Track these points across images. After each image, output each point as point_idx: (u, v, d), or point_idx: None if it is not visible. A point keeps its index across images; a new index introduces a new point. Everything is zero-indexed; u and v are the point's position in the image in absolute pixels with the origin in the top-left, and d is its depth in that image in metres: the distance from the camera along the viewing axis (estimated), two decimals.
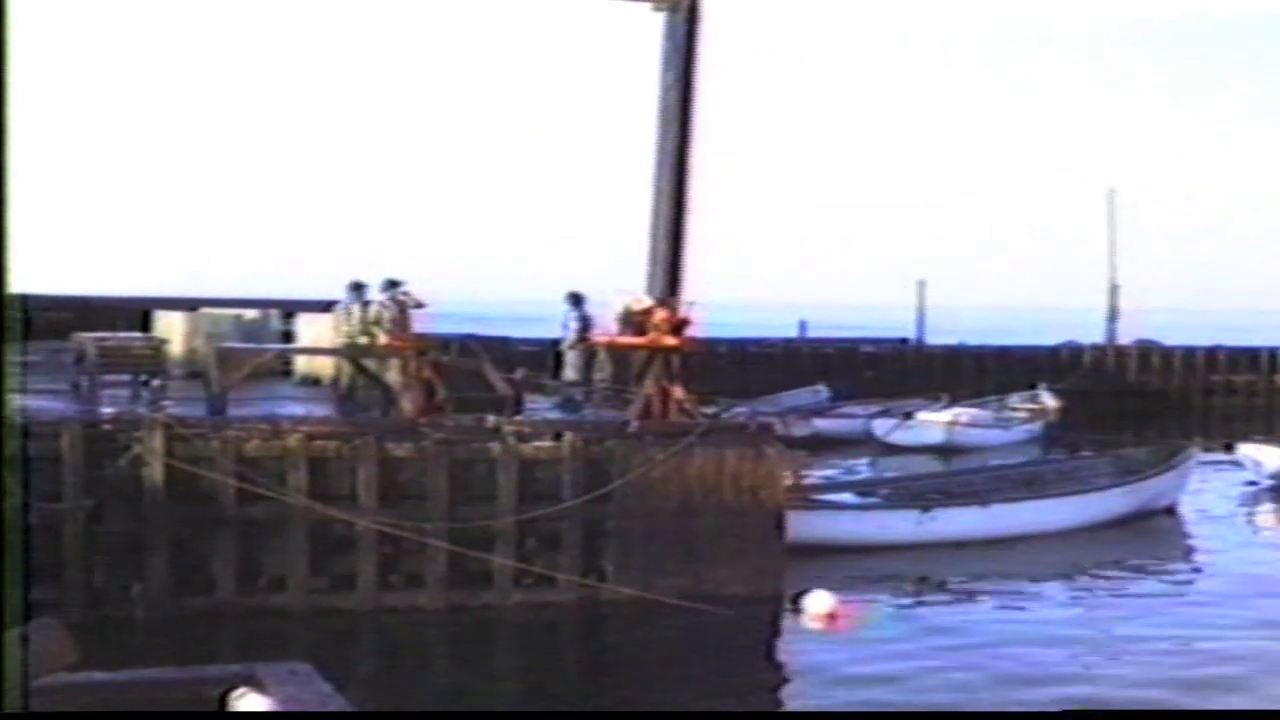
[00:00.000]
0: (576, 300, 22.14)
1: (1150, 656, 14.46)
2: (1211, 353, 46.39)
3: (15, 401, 12.65)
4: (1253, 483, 26.82)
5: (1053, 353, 45.53)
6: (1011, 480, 23.41)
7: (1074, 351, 45.89)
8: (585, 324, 21.36)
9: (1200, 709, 11.33)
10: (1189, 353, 46.23)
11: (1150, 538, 21.86)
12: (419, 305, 19.64)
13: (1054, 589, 17.97)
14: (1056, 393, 37.25)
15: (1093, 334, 47.48)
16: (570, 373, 22.07)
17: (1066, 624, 16.01)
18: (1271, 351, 46.81)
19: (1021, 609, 16.79)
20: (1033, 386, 37.98)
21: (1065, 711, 11.36)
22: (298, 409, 18.37)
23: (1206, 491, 25.26)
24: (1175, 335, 49.30)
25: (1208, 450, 26.59)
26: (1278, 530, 24.01)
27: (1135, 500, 22.47)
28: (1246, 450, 27.27)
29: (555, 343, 24.04)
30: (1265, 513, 25.06)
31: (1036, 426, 35.55)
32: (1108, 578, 18.78)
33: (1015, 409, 36.55)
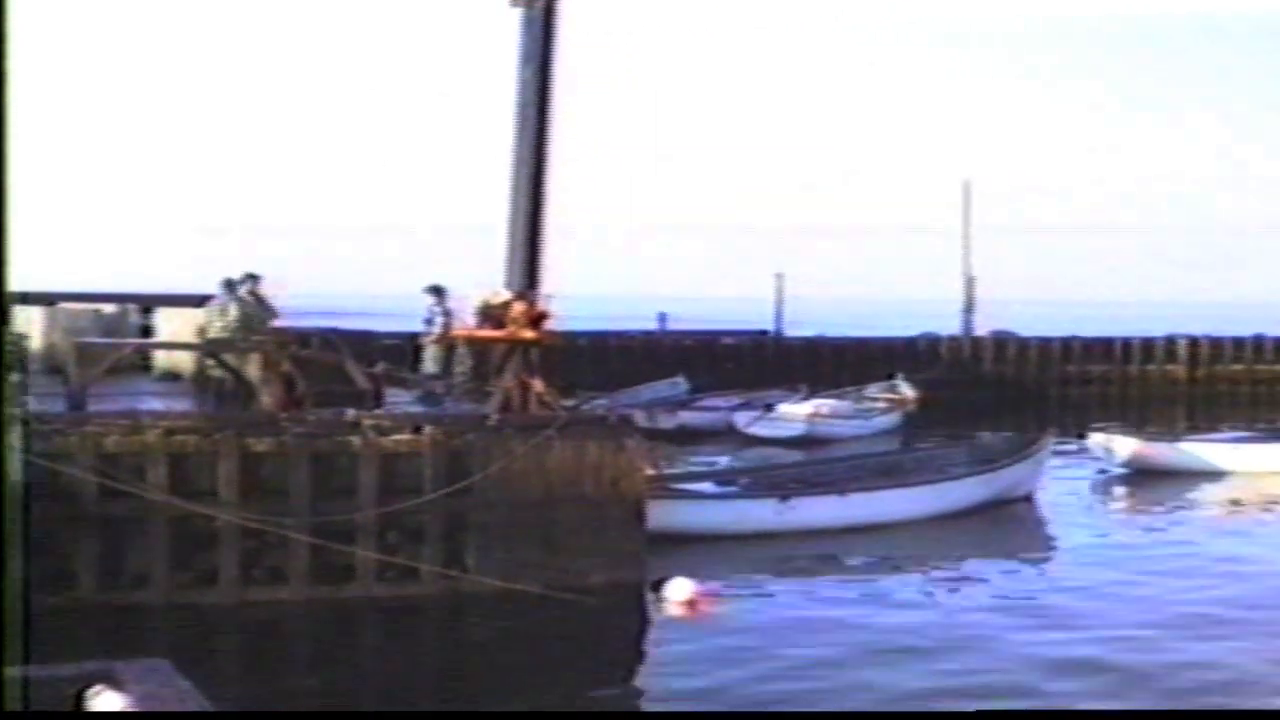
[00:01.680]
0: (438, 293, 22.12)
1: (1005, 640, 14.71)
2: (1066, 343, 47.37)
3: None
4: (1104, 470, 27.37)
5: (910, 344, 46.18)
6: (870, 469, 23.64)
7: (931, 343, 46.56)
8: (448, 317, 21.36)
9: (1199, 709, 11.46)
10: (1044, 343, 47.20)
11: (1007, 525, 22.25)
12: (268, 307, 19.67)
13: (911, 576, 18.17)
14: (914, 383, 37.73)
15: (950, 325, 48.11)
16: (430, 366, 22.05)
17: (922, 610, 16.18)
18: (1125, 341, 47.81)
19: (879, 595, 16.93)
20: (891, 377, 38.43)
21: (1066, 711, 11.50)
22: (158, 404, 18.19)
23: (1061, 479, 25.67)
24: (1031, 326, 50.10)
25: (1063, 439, 26.99)
26: (1129, 516, 24.39)
27: (992, 488, 22.82)
28: (1098, 439, 27.76)
29: (415, 336, 24.00)
30: (1117, 499, 25.60)
31: (895, 417, 35.96)
32: (966, 564, 19.07)
33: (874, 400, 36.98)
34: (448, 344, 21.43)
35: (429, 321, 22.24)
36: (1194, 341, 48.29)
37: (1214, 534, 21.72)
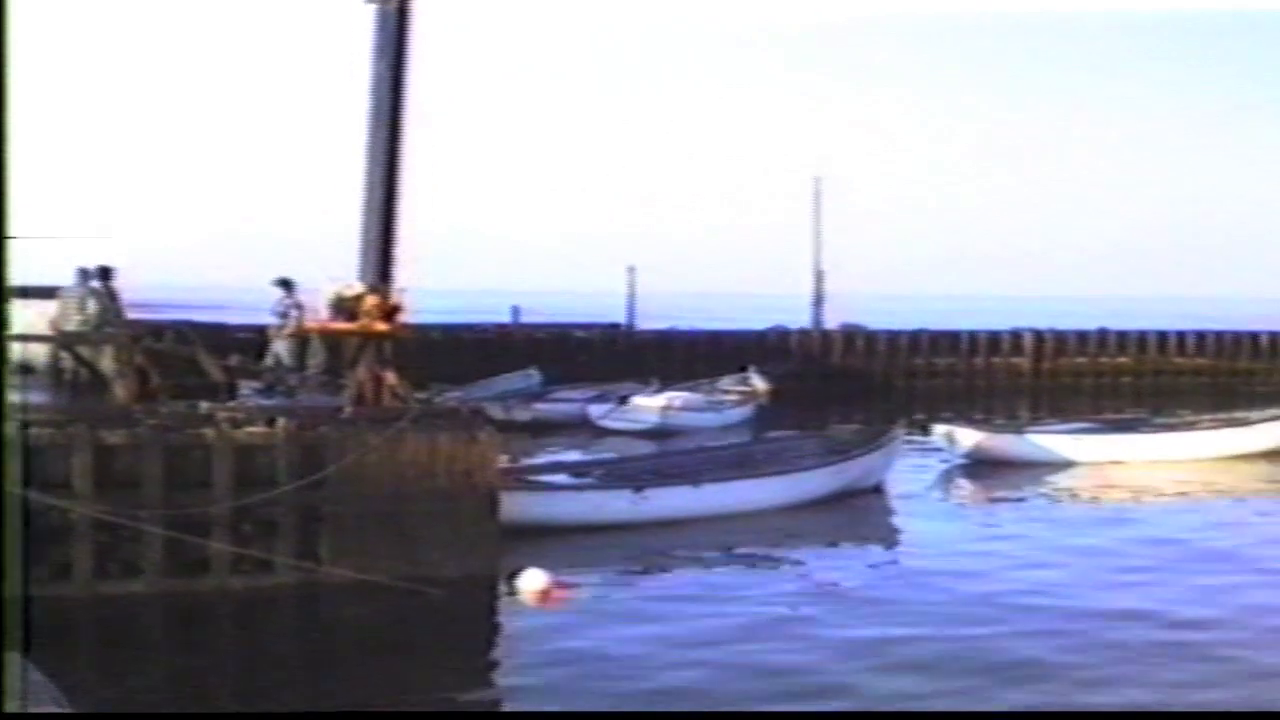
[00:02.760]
0: (287, 286, 22.08)
1: (853, 623, 15.10)
2: (914, 336, 48.01)
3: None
4: (949, 461, 27.91)
5: (761, 337, 46.50)
6: (723, 460, 23.86)
7: (781, 336, 46.93)
8: (299, 310, 21.34)
9: (1199, 710, 11.63)
10: (892, 336, 47.79)
11: (857, 514, 22.61)
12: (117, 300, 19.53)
13: (762, 565, 18.39)
14: (766, 375, 38.11)
15: (800, 319, 48.54)
16: (273, 358, 22.00)
17: (774, 598, 16.39)
18: (972, 334, 48.52)
19: (732, 584, 17.16)
20: (743, 370, 38.76)
21: (1066, 712, 11.61)
22: (10, 396, 17.98)
23: (909, 470, 26.15)
24: (881, 320, 50.69)
25: (910, 431, 27.46)
26: (973, 505, 24.87)
27: (843, 479, 23.18)
28: (942, 430, 28.27)
29: (264, 329, 23.87)
30: (961, 489, 26.08)
31: (747, 409, 36.28)
32: (814, 553, 19.39)
33: (726, 392, 37.29)
34: (300, 337, 21.41)
35: (281, 315, 22.18)
36: (1039, 335, 49.11)
37: (1053, 523, 22.21)
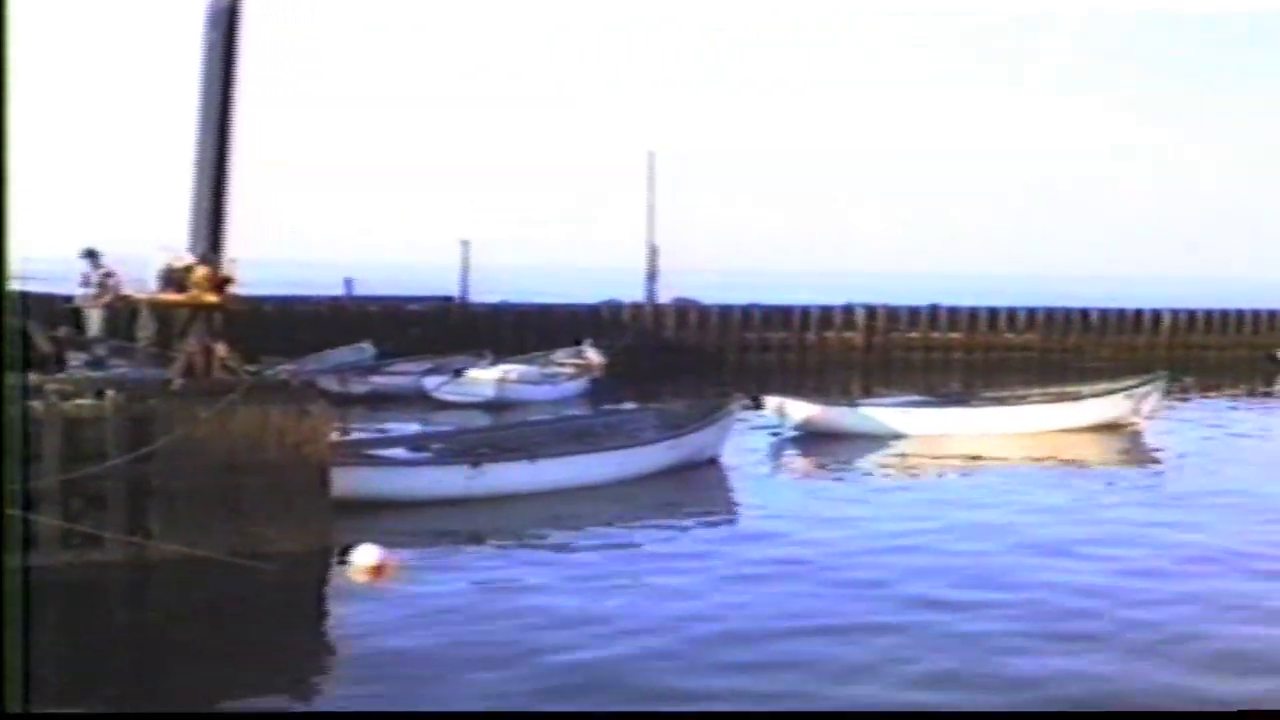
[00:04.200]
0: (92, 257, 21.68)
1: (692, 598, 15.09)
2: (746, 311, 48.19)
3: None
4: (780, 434, 28.14)
5: (594, 311, 46.45)
6: (560, 434, 23.86)
7: (614, 310, 46.95)
8: (109, 279, 20.99)
9: (1201, 710, 11.62)
10: (725, 311, 47.93)
11: (693, 488, 22.68)
12: None
13: (600, 538, 18.37)
14: (600, 349, 38.19)
15: (634, 293, 48.60)
16: (93, 329, 21.56)
17: (612, 573, 16.35)
18: (804, 310, 48.88)
19: (568, 560, 17.11)
20: (578, 343, 38.82)
21: (1068, 712, 11.57)
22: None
23: (742, 442, 26.26)
24: (714, 294, 50.92)
25: (744, 404, 27.60)
26: (802, 476, 25.06)
27: (680, 453, 23.26)
28: (773, 403, 28.46)
29: (69, 299, 23.26)
30: (791, 460, 26.32)
31: (582, 382, 36.38)
32: (655, 526, 19.37)
33: (561, 365, 37.34)
34: (113, 308, 21.07)
35: (88, 285, 21.76)
36: (871, 310, 49.57)
37: (880, 492, 22.67)
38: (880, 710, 11.49)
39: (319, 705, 11.92)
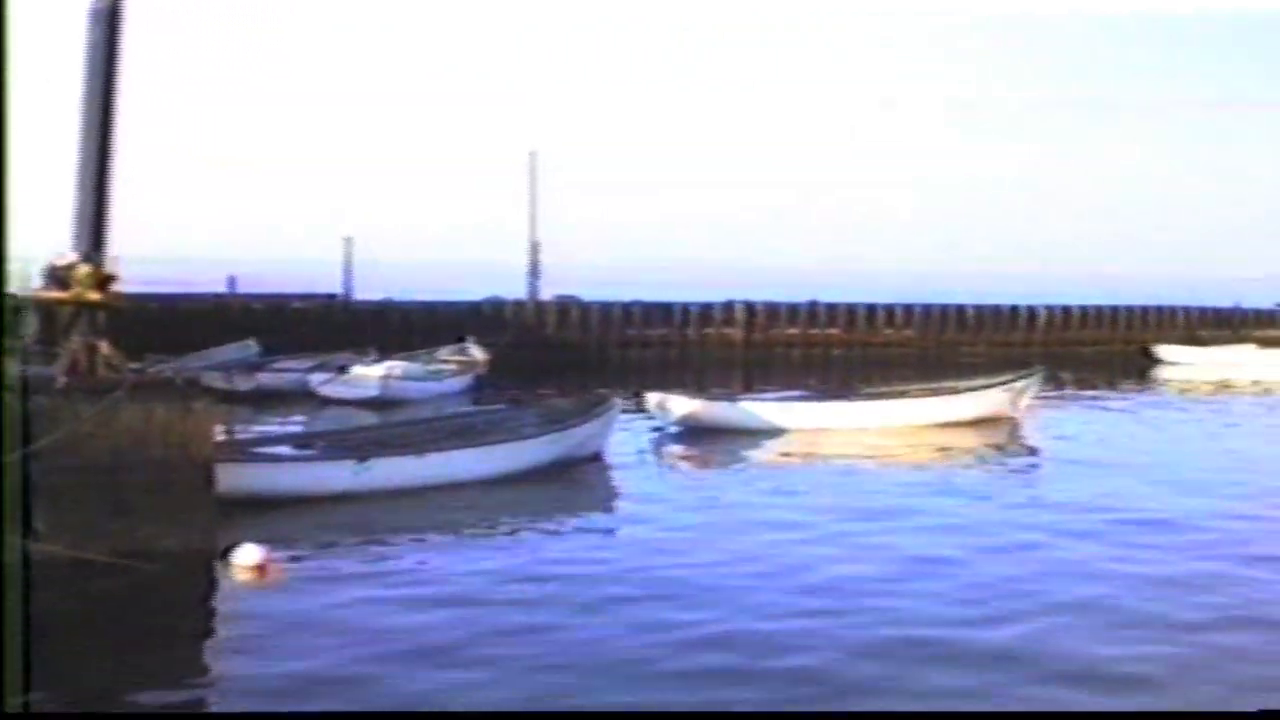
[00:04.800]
0: None
1: (577, 586, 15.31)
2: (627, 308, 48.54)
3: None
4: (660, 428, 28.45)
5: (476, 308, 46.66)
6: (444, 430, 23.97)
7: (496, 307, 47.19)
8: None
9: (1198, 710, 11.64)
10: (606, 307, 48.26)
11: (576, 483, 22.92)
12: None
13: (484, 535, 18.46)
14: (484, 346, 38.36)
15: (516, 290, 48.81)
16: None
17: (492, 568, 16.43)
18: (684, 306, 49.26)
19: (452, 555, 17.16)
20: (461, 340, 38.96)
21: (1066, 712, 11.61)
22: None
23: (624, 438, 26.53)
24: (596, 291, 51.15)
25: (625, 400, 27.81)
26: (685, 471, 25.29)
27: (563, 448, 23.44)
28: (655, 399, 28.73)
29: None
30: (673, 455, 26.56)
31: (466, 379, 36.56)
32: (535, 521, 19.49)
33: (445, 362, 37.47)
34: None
35: None
36: (750, 307, 50.05)
37: (760, 486, 22.73)
38: (880, 710, 11.59)
39: (212, 707, 11.89)
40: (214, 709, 11.73)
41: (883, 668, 12.42)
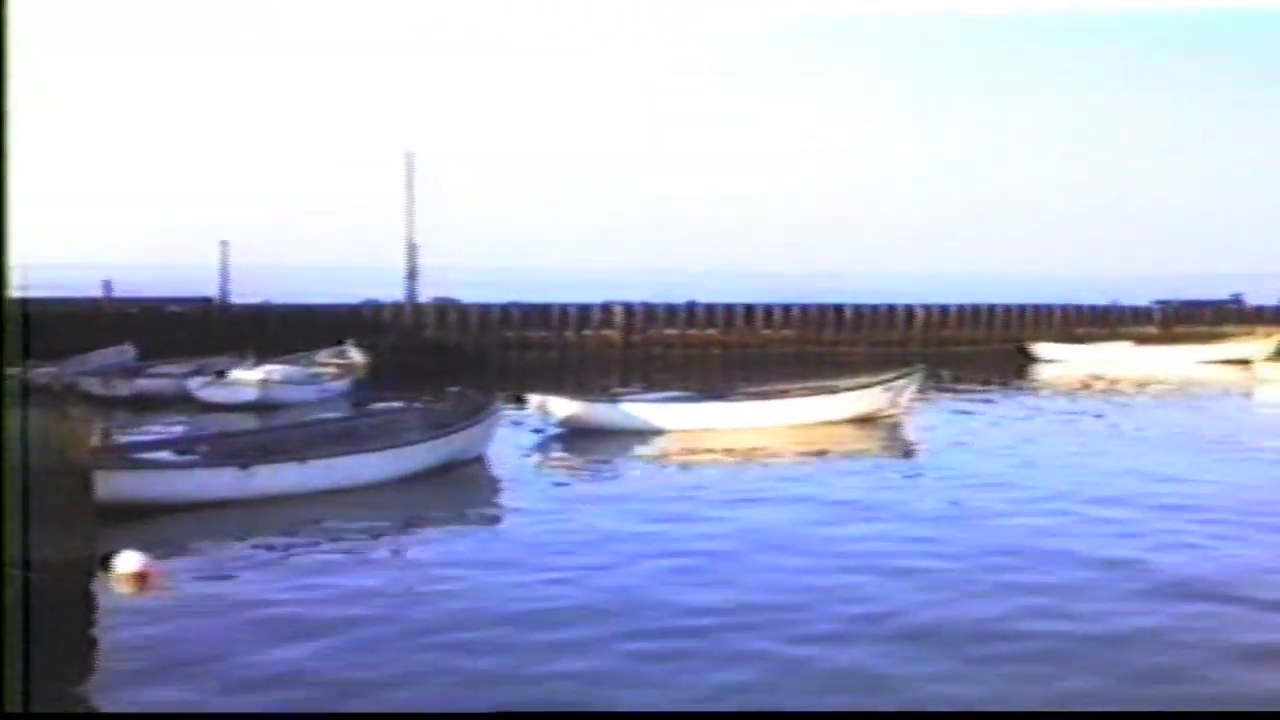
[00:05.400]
0: None
1: (473, 586, 15.44)
2: (506, 310, 48.58)
3: None
4: (543, 431, 28.53)
5: (355, 311, 46.54)
6: (327, 435, 23.80)
7: (375, 310, 47.09)
8: None
9: (1198, 710, 11.61)
10: (485, 310, 48.26)
11: (460, 486, 22.93)
12: None
13: (366, 540, 18.44)
14: (363, 349, 38.26)
15: (394, 292, 48.66)
16: None
17: (382, 571, 16.56)
18: (563, 308, 49.33)
19: (335, 561, 17.09)
20: (340, 343, 38.81)
21: (1069, 712, 11.60)
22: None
23: (506, 440, 26.56)
24: (475, 293, 51.10)
25: (506, 403, 27.81)
26: (564, 472, 25.34)
27: (446, 451, 23.43)
28: (535, 401, 28.80)
29: None
30: (555, 457, 26.66)
31: (346, 382, 36.40)
32: (420, 525, 19.58)
33: (324, 365, 37.30)
34: None
35: None
36: (629, 308, 50.19)
37: (641, 487, 23.05)
38: (880, 710, 11.62)
39: (213, 707, 11.73)
40: (213, 709, 11.62)
41: (759, 671, 12.58)
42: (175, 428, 28.18)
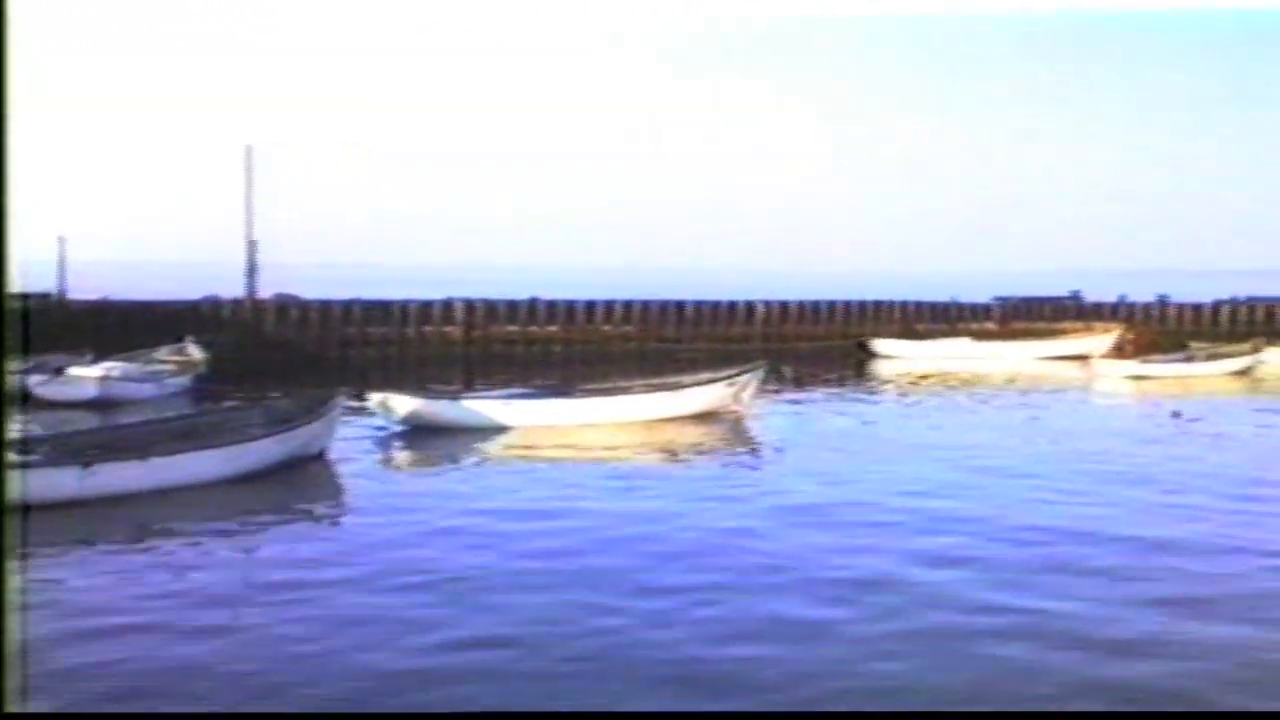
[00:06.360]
0: None
1: (312, 582, 15.58)
2: (347, 306, 48.41)
3: None
4: (385, 428, 28.71)
5: (194, 307, 46.14)
6: (169, 433, 23.69)
7: (214, 306, 46.74)
8: None
9: (1198, 710, 11.69)
10: (325, 306, 48.09)
11: (303, 483, 23.04)
12: None
13: (210, 538, 18.45)
14: (203, 346, 38.03)
15: (234, 288, 48.31)
16: None
17: (228, 568, 16.73)
18: (404, 304, 49.30)
19: (180, 559, 17.06)
20: (180, 340, 38.54)
21: (1071, 712, 11.68)
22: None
23: (348, 437, 26.77)
24: (318, 289, 50.92)
25: (348, 400, 27.86)
26: (404, 469, 25.63)
27: (288, 447, 23.59)
28: (376, 398, 28.97)
29: None
30: (397, 454, 26.84)
31: (186, 379, 36.18)
32: (266, 521, 19.66)
33: (164, 362, 37.03)
34: None
35: None
36: (470, 304, 50.29)
37: (482, 484, 23.18)
38: (880, 711, 11.70)
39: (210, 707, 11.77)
40: (213, 709, 11.66)
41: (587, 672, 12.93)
42: (12, 426, 27.87)
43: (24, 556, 16.52)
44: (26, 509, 18.43)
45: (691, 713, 11.66)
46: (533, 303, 51.71)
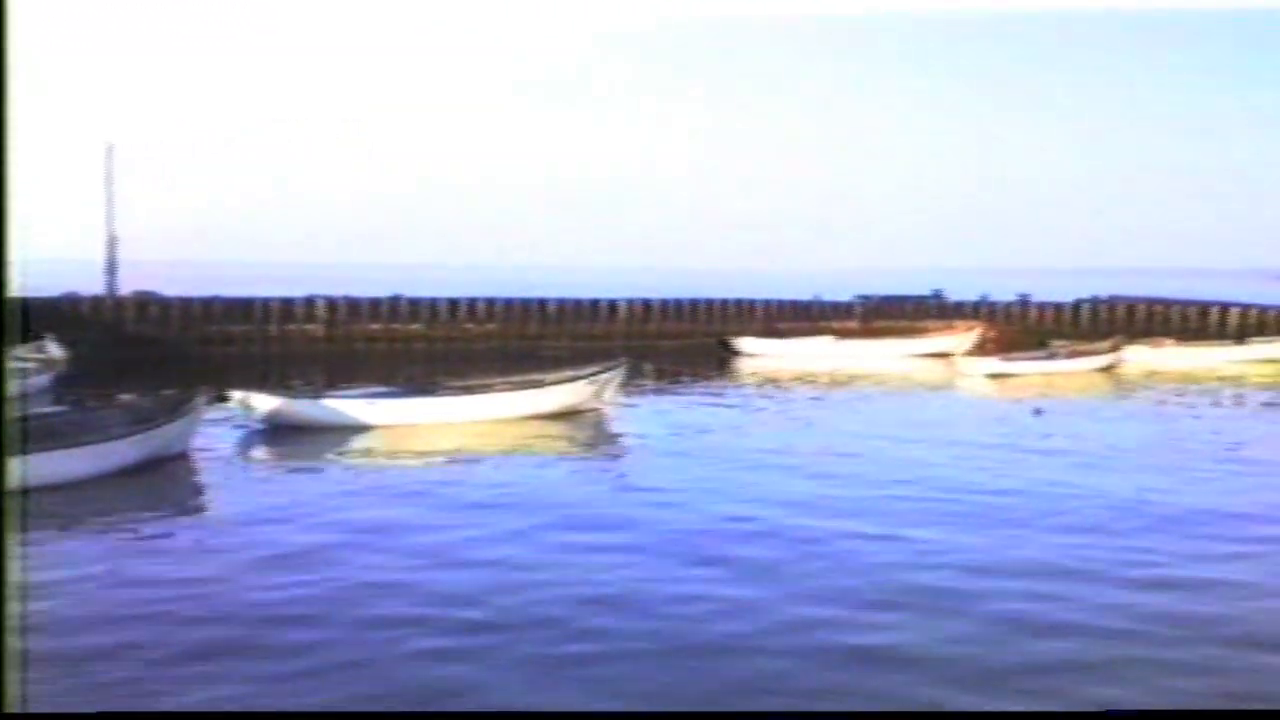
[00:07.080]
0: None
1: (174, 581, 15.72)
2: (208, 304, 48.12)
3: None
4: (246, 427, 28.71)
5: (53, 305, 45.55)
6: (29, 432, 23.48)
7: (73, 303, 46.18)
8: None
9: (1198, 709, 11.56)
10: (186, 304, 47.77)
11: (164, 483, 23.00)
12: None
13: (80, 538, 18.50)
14: (62, 344, 37.60)
15: (93, 285, 47.84)
16: None
17: (89, 565, 16.71)
18: (265, 302, 49.08)
19: (42, 558, 16.91)
20: (38, 338, 38.07)
21: (1066, 712, 11.66)
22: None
23: (210, 436, 26.75)
24: (181, 287, 50.48)
25: (209, 399, 27.73)
26: (265, 468, 25.45)
27: (149, 447, 23.57)
28: (237, 397, 28.95)
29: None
30: (258, 453, 26.77)
31: (45, 378, 35.72)
32: (129, 521, 19.65)
33: (24, 360, 36.53)
34: None
35: None
36: (332, 302, 50.27)
37: (343, 485, 23.18)
38: (881, 711, 11.73)
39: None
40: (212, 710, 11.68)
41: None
42: None
43: None
44: None
45: (692, 713, 11.75)
46: (395, 300, 51.64)
